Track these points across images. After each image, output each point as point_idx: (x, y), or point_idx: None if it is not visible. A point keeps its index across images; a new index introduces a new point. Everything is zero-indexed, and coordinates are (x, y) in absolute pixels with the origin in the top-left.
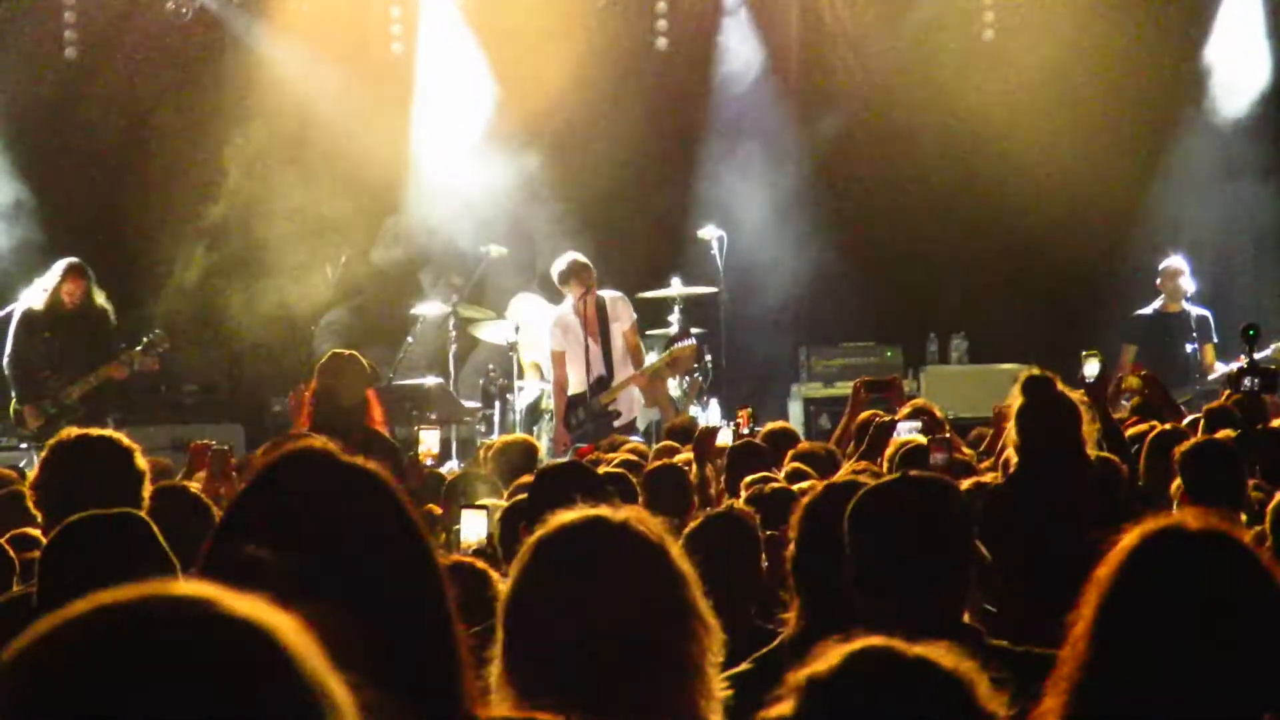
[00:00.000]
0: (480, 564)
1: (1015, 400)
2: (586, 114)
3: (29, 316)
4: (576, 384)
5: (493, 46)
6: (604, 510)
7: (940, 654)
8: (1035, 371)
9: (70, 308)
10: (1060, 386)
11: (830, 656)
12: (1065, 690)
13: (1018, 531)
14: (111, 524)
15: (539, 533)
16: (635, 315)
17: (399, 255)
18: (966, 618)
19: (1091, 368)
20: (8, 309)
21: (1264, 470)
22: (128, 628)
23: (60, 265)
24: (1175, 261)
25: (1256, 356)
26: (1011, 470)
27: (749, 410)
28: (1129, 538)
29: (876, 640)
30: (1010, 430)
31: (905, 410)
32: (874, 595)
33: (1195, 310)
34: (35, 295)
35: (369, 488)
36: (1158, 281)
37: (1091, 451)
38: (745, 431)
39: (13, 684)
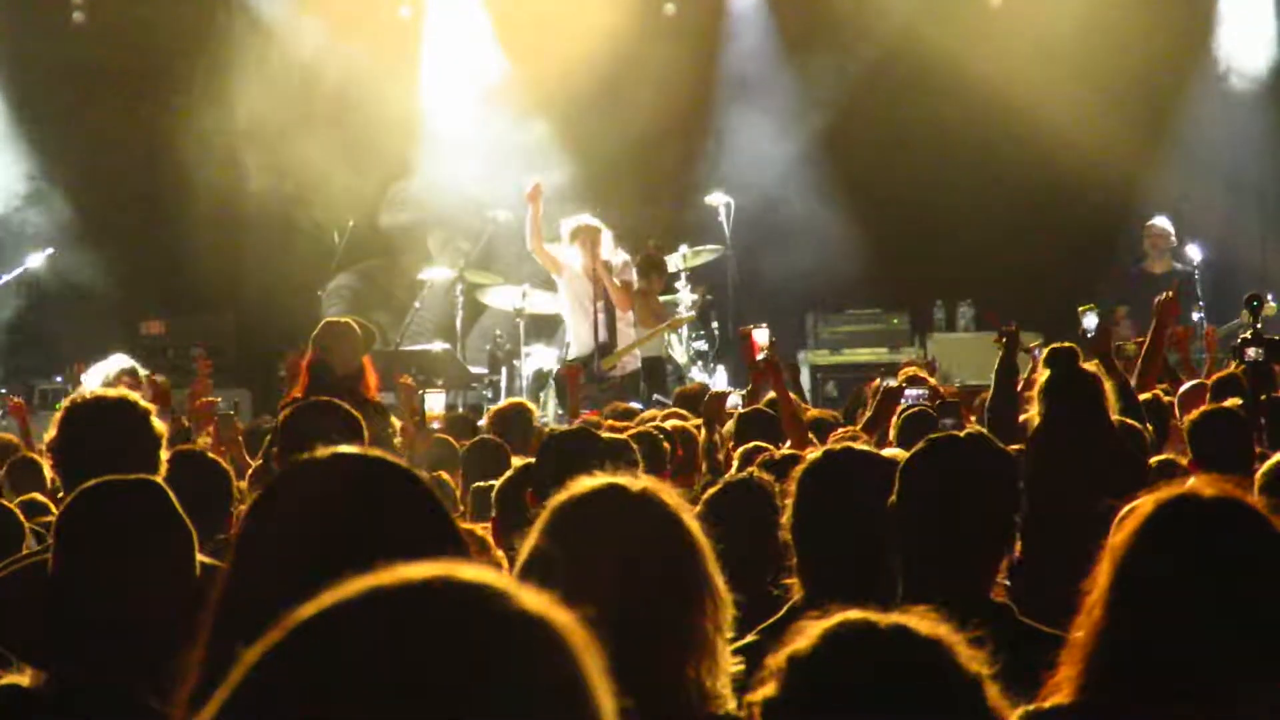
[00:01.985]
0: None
1: (1039, 374)
2: (594, 79)
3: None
4: (582, 344)
5: (500, 11)
6: (623, 478)
7: (918, 621)
8: (1060, 344)
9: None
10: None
11: (809, 633)
12: (1081, 658)
13: (1042, 505)
14: (129, 490)
15: (558, 498)
16: (636, 276)
17: (406, 220)
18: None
19: (1090, 320)
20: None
21: (1270, 439)
22: (423, 616)
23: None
24: (1160, 221)
25: (1257, 324)
26: (1035, 441)
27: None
28: (1143, 505)
29: (852, 614)
30: (1034, 403)
31: (904, 374)
32: (916, 561)
33: (1182, 269)
34: None
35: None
36: (1145, 243)
37: (1114, 418)
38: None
39: (298, 663)
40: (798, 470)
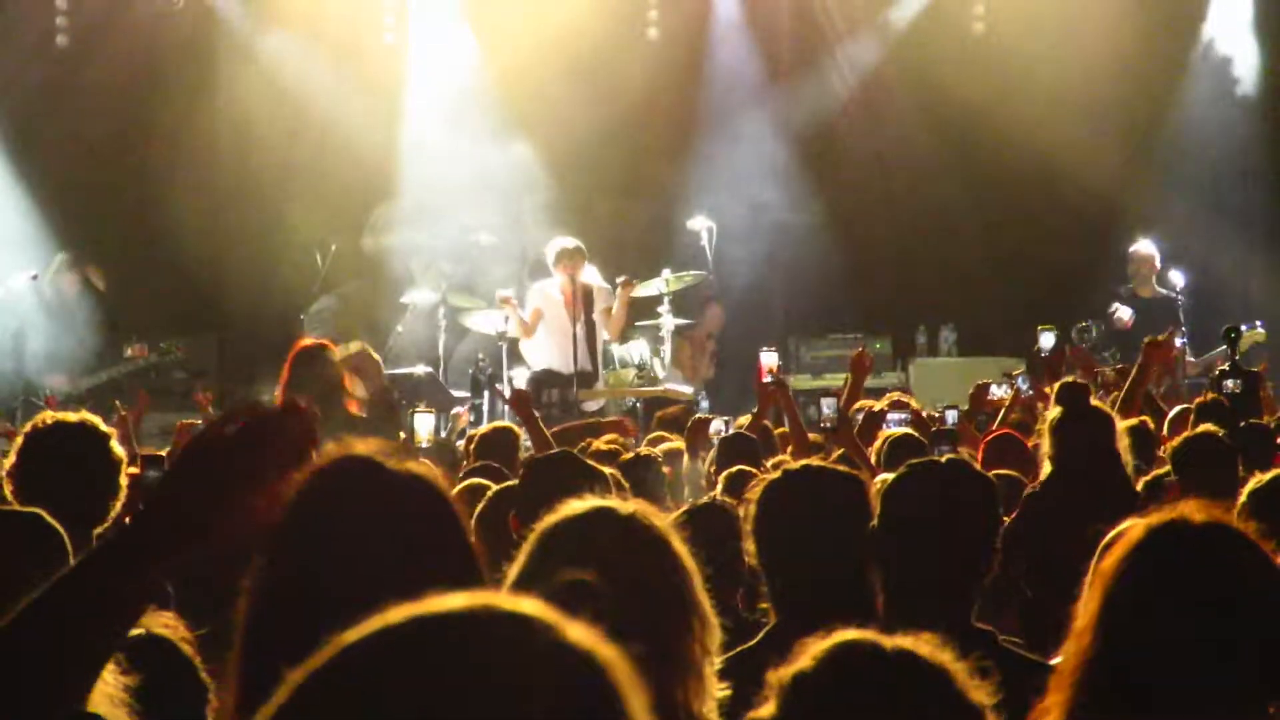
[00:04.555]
0: None
1: (1051, 411)
2: (577, 104)
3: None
4: (557, 363)
5: (484, 36)
6: (612, 501)
7: (921, 645)
8: (1071, 380)
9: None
10: (1094, 398)
11: (811, 653)
12: (1069, 684)
13: (1053, 541)
14: (13, 523)
15: (547, 521)
16: (613, 305)
17: (389, 243)
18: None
19: (1046, 339)
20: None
21: (1249, 465)
22: (455, 644)
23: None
24: (1145, 246)
25: (1235, 356)
26: (1044, 479)
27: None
28: (1132, 530)
29: (856, 634)
30: (1045, 441)
31: (887, 399)
32: (897, 585)
33: (1165, 294)
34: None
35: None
36: (1130, 267)
37: (1127, 459)
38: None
39: (335, 691)
40: (755, 491)
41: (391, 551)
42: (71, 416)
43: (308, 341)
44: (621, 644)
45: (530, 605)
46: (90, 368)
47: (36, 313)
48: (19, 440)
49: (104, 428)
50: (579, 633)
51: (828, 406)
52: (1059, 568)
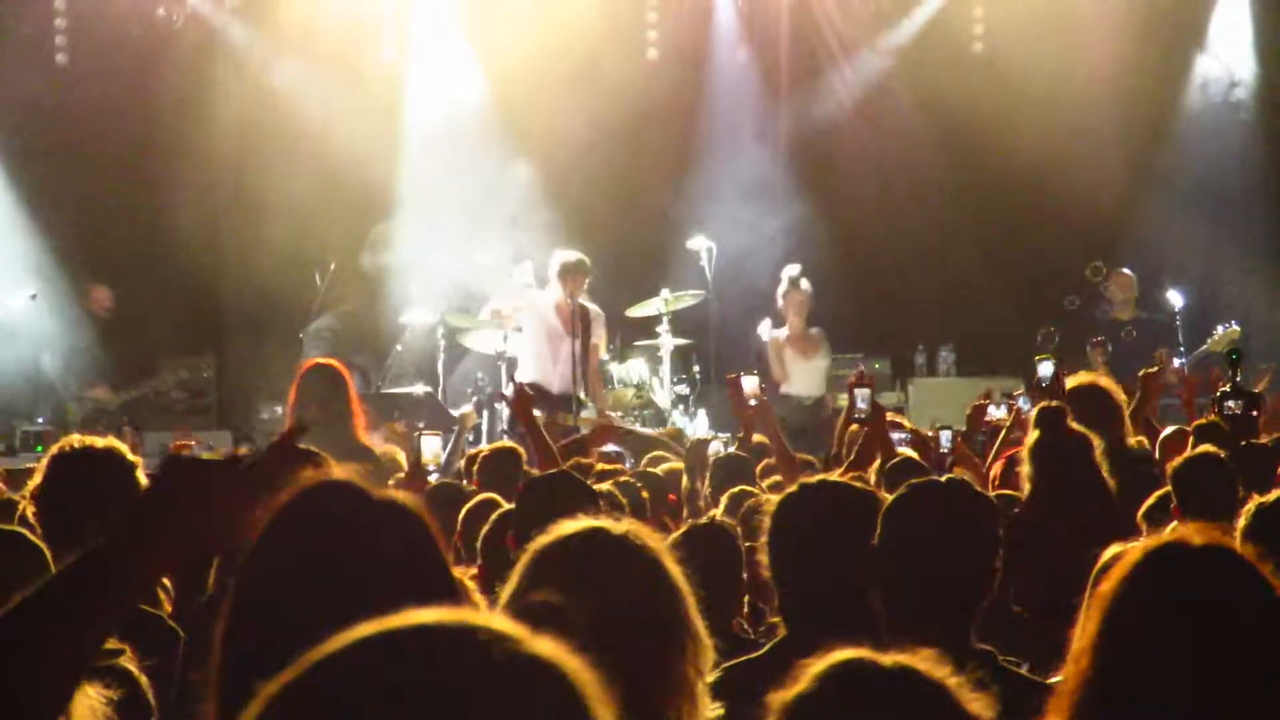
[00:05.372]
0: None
1: (1030, 435)
2: (577, 123)
3: None
4: (547, 379)
5: (483, 54)
6: (605, 521)
7: (920, 662)
8: (1049, 404)
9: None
10: (1072, 421)
11: (810, 672)
12: (1068, 705)
13: (1034, 563)
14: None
15: (542, 540)
16: (605, 335)
17: (387, 262)
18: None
19: (1045, 369)
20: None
21: (1249, 487)
22: (421, 656)
23: None
24: (1124, 272)
25: (1236, 377)
26: (1026, 502)
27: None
28: (1131, 552)
29: (854, 653)
30: (1025, 464)
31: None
32: (898, 604)
33: (1147, 318)
34: None
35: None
36: (1109, 290)
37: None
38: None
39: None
40: (772, 504)
41: (366, 576)
42: (99, 442)
43: (318, 360)
44: (603, 661)
45: (498, 620)
46: (129, 381)
47: (47, 329)
48: (44, 462)
49: (131, 456)
50: (547, 646)
51: (862, 399)
52: (1043, 589)
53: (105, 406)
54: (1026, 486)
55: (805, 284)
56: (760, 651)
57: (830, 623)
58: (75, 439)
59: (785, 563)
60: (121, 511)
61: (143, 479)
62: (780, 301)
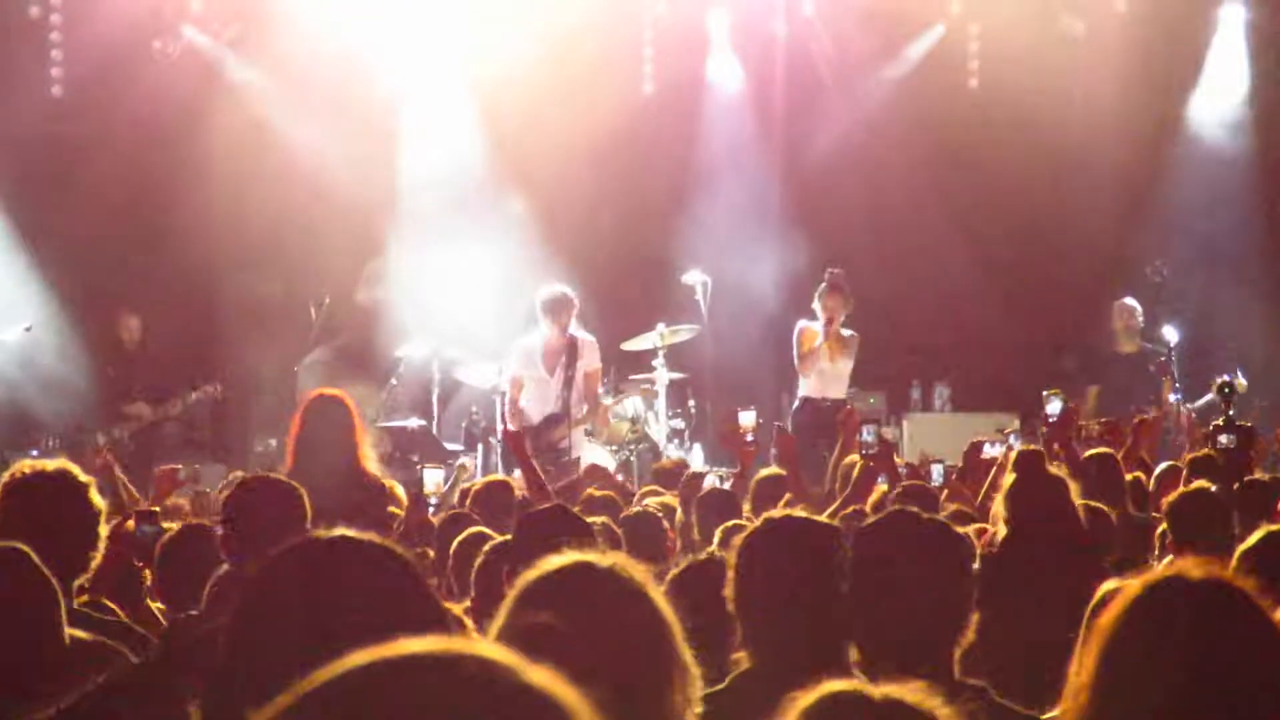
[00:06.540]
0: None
1: (1006, 477)
2: (572, 158)
3: None
4: (536, 416)
5: (479, 90)
6: (591, 555)
7: (908, 694)
8: (1026, 448)
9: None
10: (1049, 464)
11: (799, 705)
12: None
13: (1006, 606)
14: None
15: (527, 575)
16: (600, 364)
17: (383, 296)
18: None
19: (1054, 406)
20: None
21: (1245, 523)
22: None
23: None
24: (1127, 302)
25: (1229, 411)
26: (999, 544)
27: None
28: (1131, 587)
29: (844, 684)
30: (998, 505)
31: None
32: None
33: (1152, 349)
34: None
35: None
36: (1113, 322)
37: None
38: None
39: None
40: (738, 539)
41: (356, 620)
42: (50, 465)
43: (322, 391)
44: (593, 691)
45: (491, 649)
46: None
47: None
48: None
49: (82, 477)
50: (539, 675)
51: (868, 433)
52: (1015, 628)
53: (142, 421)
54: (1001, 529)
55: (845, 285)
56: (723, 685)
57: (791, 655)
58: (26, 464)
59: (746, 595)
60: None
61: (97, 500)
62: (817, 301)
